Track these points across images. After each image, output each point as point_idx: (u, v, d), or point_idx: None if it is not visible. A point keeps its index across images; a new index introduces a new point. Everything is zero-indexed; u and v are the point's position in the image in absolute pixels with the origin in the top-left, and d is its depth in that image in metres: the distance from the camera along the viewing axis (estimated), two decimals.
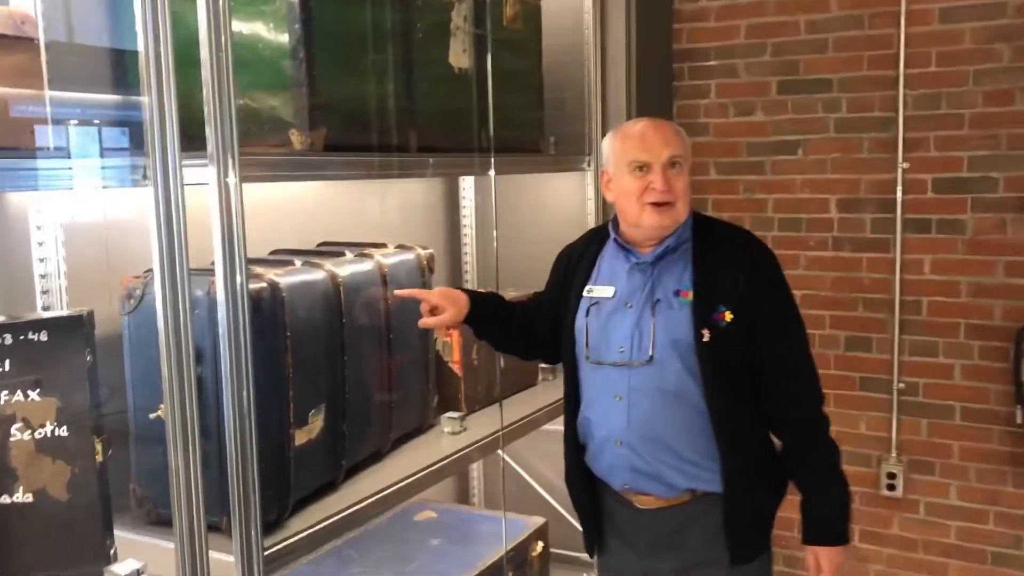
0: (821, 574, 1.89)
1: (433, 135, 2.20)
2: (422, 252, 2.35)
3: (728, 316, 1.81)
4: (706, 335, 1.81)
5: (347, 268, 2.04)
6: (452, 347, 2.53)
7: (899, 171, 3.04)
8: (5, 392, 1.47)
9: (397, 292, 2.07)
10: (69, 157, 1.44)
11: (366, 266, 2.12)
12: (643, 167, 1.84)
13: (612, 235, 1.97)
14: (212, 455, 1.67)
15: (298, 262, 1.97)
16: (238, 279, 1.56)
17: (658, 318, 1.85)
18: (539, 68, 2.72)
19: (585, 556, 2.17)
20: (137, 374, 1.77)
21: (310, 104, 1.80)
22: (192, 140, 1.49)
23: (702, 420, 1.83)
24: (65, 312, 1.58)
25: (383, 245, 2.32)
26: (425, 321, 2.00)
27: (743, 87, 3.28)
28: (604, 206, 2.98)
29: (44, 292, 1.80)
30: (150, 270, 1.75)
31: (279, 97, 1.82)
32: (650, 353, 1.83)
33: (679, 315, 1.84)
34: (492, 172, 2.35)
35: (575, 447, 2.02)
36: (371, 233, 2.55)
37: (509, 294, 2.82)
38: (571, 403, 2.02)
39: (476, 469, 3.29)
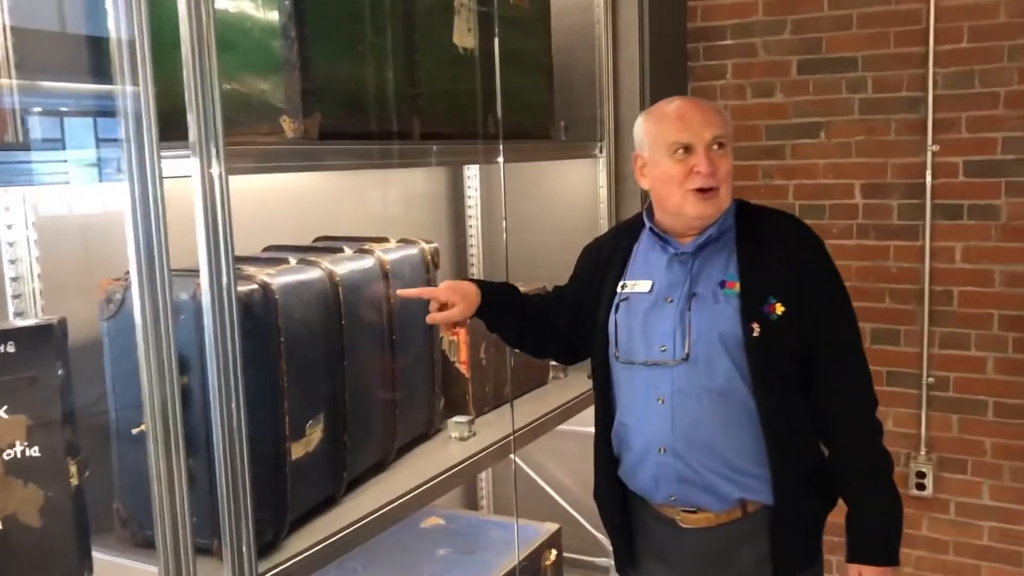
0: None
1: (437, 121, 2.05)
2: (426, 246, 2.20)
3: (779, 308, 1.67)
4: (756, 329, 1.66)
5: (346, 265, 1.89)
6: (459, 346, 2.39)
7: (928, 154, 2.91)
8: None
9: (400, 292, 1.92)
10: (29, 150, 1.29)
11: (366, 263, 1.97)
12: (685, 149, 1.69)
13: (647, 225, 1.82)
14: (201, 472, 1.55)
15: (293, 260, 1.83)
16: (224, 280, 1.42)
17: (702, 312, 1.70)
18: (548, 49, 2.57)
19: (601, 562, 2.04)
20: (119, 385, 1.63)
21: (303, 88, 1.64)
22: (176, 129, 1.36)
23: (751, 422, 1.69)
24: (33, 321, 1.43)
25: (384, 239, 2.17)
26: (433, 317, 1.85)
27: (762, 67, 3.13)
28: (617, 194, 2.83)
29: (16, 297, 1.66)
30: None
31: (269, 81, 1.66)
32: (694, 350, 1.69)
33: (725, 308, 1.69)
34: (501, 159, 2.20)
35: (607, 459, 1.86)
36: (372, 226, 2.41)
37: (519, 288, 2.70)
38: (604, 410, 1.87)
39: (485, 472, 3.15)
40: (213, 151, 1.38)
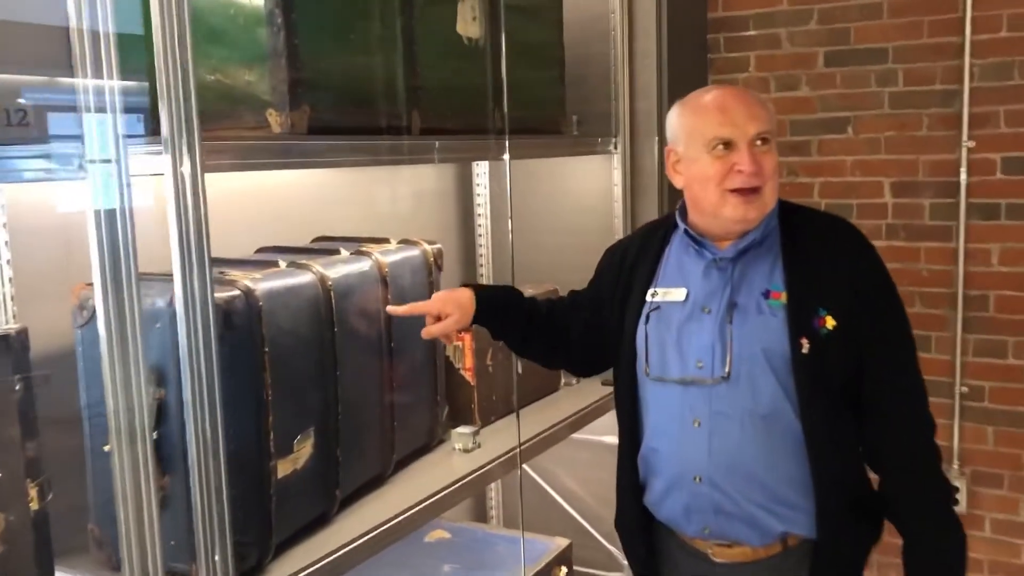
0: None
1: (438, 115, 1.93)
2: (428, 247, 2.08)
3: (830, 322, 1.51)
4: (805, 345, 1.51)
5: (340, 269, 1.78)
6: (464, 352, 2.27)
7: (963, 150, 2.76)
8: None
9: (390, 309, 1.78)
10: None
11: (363, 265, 1.85)
12: (726, 144, 1.54)
13: (681, 226, 1.67)
14: (178, 492, 1.44)
15: (283, 263, 1.72)
16: (198, 286, 1.31)
17: (744, 325, 1.55)
18: (560, 40, 2.44)
19: None
20: (93, 398, 1.52)
21: (290, 80, 1.53)
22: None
23: (796, 447, 1.53)
24: None
25: (385, 240, 2.06)
26: (428, 331, 1.72)
27: (786, 59, 2.99)
28: (633, 192, 2.70)
29: None
30: None
31: (255, 72, 1.55)
32: (735, 368, 1.54)
33: (771, 321, 1.54)
34: (507, 156, 2.07)
35: (632, 485, 1.70)
36: (378, 225, 2.30)
37: (527, 291, 2.57)
38: (630, 431, 1.70)
39: (495, 482, 3.03)
40: (185, 146, 1.27)
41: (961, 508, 2.85)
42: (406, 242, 2.07)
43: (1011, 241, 2.73)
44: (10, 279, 1.58)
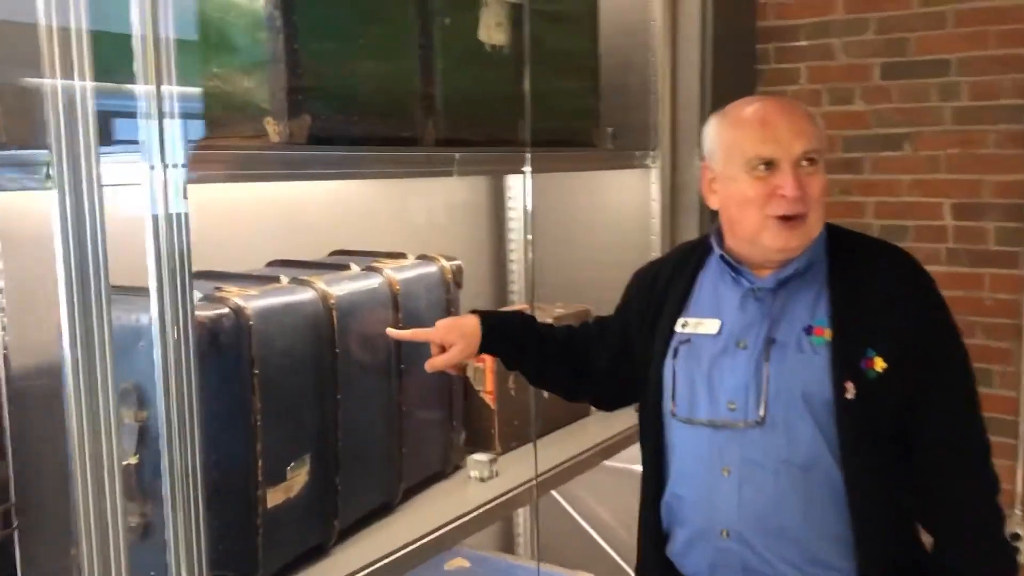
0: None
1: (456, 126, 1.82)
2: (447, 264, 1.98)
3: (880, 364, 1.36)
4: (851, 390, 1.36)
5: (345, 286, 1.69)
6: (484, 374, 2.16)
7: None
8: None
9: (389, 332, 1.68)
10: None
11: (372, 282, 1.76)
12: (768, 164, 1.39)
13: (717, 251, 1.53)
14: (159, 522, 1.36)
15: (285, 279, 1.63)
16: (176, 302, 1.23)
17: (783, 364, 1.41)
18: (595, 48, 2.33)
19: None
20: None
21: (288, 86, 1.44)
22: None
23: (837, 503, 1.38)
24: None
25: (401, 255, 1.97)
26: (432, 363, 1.61)
27: (840, 71, 2.82)
28: (673, 209, 2.57)
29: None
30: None
31: (253, 78, 1.47)
32: (771, 412, 1.39)
33: (813, 361, 1.39)
34: (527, 168, 1.96)
35: (655, 532, 1.56)
36: (403, 239, 2.21)
37: (556, 311, 2.46)
38: (653, 475, 1.56)
39: (523, 508, 2.91)
40: (163, 155, 1.19)
41: None
42: (424, 258, 1.97)
43: None
44: (1, 290, 1.52)
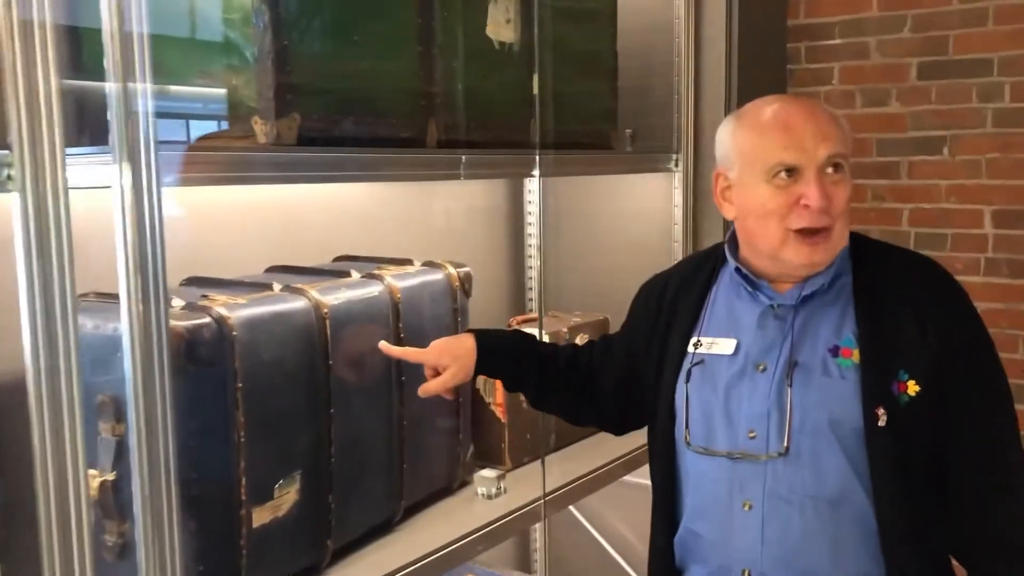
0: None
1: (459, 126, 1.74)
2: (454, 271, 1.90)
3: (913, 387, 1.26)
4: (882, 416, 1.25)
5: (341, 294, 1.61)
6: (495, 386, 2.07)
7: None
8: None
9: (381, 346, 1.59)
10: None
11: (371, 291, 1.68)
12: (789, 171, 1.28)
13: (731, 263, 1.42)
14: (135, 542, 1.29)
15: (278, 286, 1.56)
16: (136, 312, 1.16)
17: (807, 388, 1.30)
18: (612, 46, 2.24)
19: None
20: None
21: (276, 84, 1.37)
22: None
23: (868, 540, 1.28)
24: None
25: (407, 262, 1.89)
26: (425, 388, 1.53)
27: (875, 71, 2.70)
28: (695, 214, 2.47)
29: None
30: (85, 295, 1.40)
31: (241, 76, 1.40)
32: (796, 441, 1.29)
33: (840, 385, 1.29)
34: (537, 172, 1.87)
35: (666, 572, 1.45)
36: (415, 244, 2.13)
37: (573, 319, 2.37)
38: (665, 509, 1.45)
39: (540, 524, 2.82)
40: (130, 156, 1.12)
41: None
42: (429, 264, 1.90)
43: None
44: None
